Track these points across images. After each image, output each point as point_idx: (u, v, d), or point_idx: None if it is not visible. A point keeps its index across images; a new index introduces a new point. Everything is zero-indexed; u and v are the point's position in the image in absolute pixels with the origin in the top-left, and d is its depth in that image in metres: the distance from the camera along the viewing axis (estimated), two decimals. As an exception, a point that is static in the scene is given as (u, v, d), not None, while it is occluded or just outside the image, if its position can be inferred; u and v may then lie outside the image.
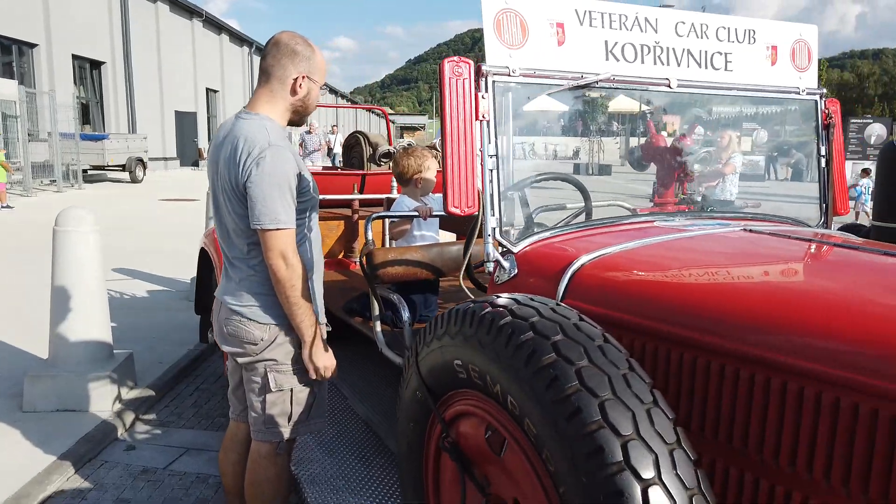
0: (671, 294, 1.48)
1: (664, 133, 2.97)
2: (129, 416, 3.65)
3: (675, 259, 1.68)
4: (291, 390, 2.14)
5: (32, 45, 17.74)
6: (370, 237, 2.51)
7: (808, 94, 2.28)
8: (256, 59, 35.47)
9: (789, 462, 1.22)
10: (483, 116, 1.73)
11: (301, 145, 15.64)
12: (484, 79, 1.75)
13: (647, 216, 2.10)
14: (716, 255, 1.72)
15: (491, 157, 1.75)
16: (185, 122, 26.16)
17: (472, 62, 1.74)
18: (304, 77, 2.05)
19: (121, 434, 3.51)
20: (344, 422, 2.83)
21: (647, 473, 1.03)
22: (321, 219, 4.20)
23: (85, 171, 16.85)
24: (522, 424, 1.21)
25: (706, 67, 2.10)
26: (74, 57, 19.59)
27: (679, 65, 2.05)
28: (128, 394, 3.84)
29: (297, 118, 2.18)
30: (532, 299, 1.32)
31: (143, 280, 6.73)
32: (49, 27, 18.19)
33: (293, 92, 2.06)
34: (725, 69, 2.13)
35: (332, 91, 55.35)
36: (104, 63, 21.27)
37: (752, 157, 3.29)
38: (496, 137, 1.77)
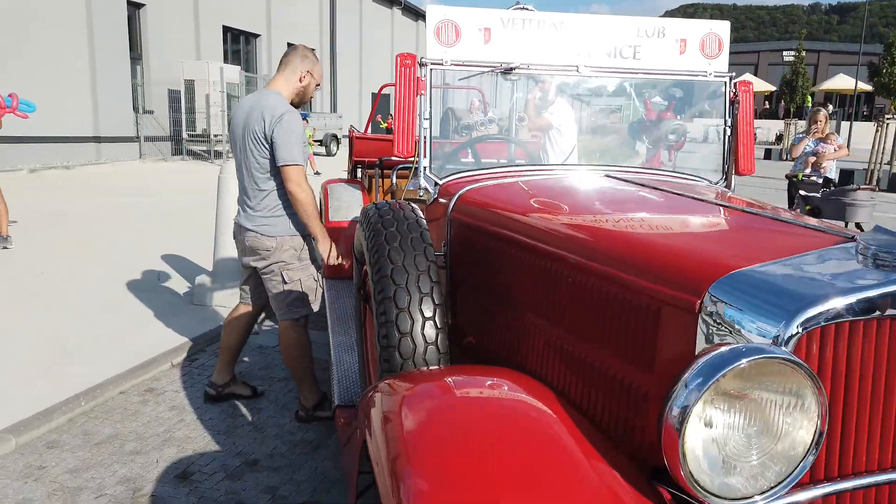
0: (502, 208, 2.30)
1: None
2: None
3: (522, 190, 2.47)
4: (300, 280, 3.19)
5: (256, 36, 20.79)
6: (394, 181, 3.50)
7: (715, 76, 2.87)
8: (451, 44, 37.60)
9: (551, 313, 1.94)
10: (422, 92, 2.63)
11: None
12: (424, 67, 2.64)
13: (550, 165, 2.85)
14: (551, 189, 2.46)
15: (426, 119, 2.65)
16: (380, 102, 28.70)
17: (416, 56, 2.64)
18: (308, 73, 3.11)
19: (252, 325, 4.86)
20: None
21: (400, 282, 1.92)
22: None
23: (290, 144, 19.56)
24: (367, 267, 2.15)
25: (615, 57, 2.79)
26: (289, 45, 22.50)
27: (589, 56, 2.77)
28: (263, 300, 5.20)
29: (297, 101, 3.21)
30: (395, 202, 2.23)
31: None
32: (270, 19, 21.16)
33: (300, 80, 3.12)
34: (633, 58, 2.80)
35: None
36: (313, 50, 24.03)
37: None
38: (430, 106, 2.66)
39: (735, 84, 2.89)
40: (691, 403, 1.09)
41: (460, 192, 2.49)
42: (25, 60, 12.78)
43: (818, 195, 6.89)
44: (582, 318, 1.70)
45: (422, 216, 2.15)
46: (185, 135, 16.47)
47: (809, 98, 38.08)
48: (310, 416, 3.37)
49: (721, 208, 1.99)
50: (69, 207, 9.26)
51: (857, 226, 6.83)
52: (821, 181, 7.03)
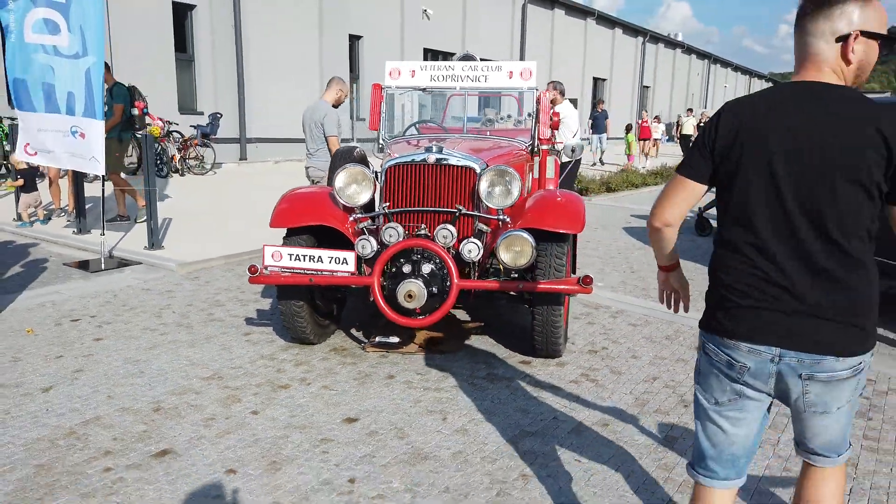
0: (390, 150, 5.41)
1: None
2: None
3: (405, 143, 5.51)
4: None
5: (451, 54, 24.83)
6: (400, 147, 6.72)
7: (528, 89, 5.68)
8: (651, 48, 38.93)
9: None
10: (383, 99, 5.84)
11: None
12: (383, 90, 5.86)
13: (445, 134, 5.84)
14: (414, 141, 5.48)
15: (383, 112, 5.85)
16: (568, 106, 31.41)
17: (381, 84, 5.87)
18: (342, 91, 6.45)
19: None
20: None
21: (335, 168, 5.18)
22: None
23: (474, 143, 23.28)
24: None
25: (475, 81, 5.74)
26: (482, 60, 26.28)
27: (463, 81, 5.75)
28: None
29: (336, 104, 6.51)
30: (351, 146, 5.46)
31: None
32: (464, 38, 25.11)
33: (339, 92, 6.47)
34: (485, 82, 5.73)
35: (745, 73, 54.67)
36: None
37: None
38: (387, 107, 5.85)
39: (538, 94, 5.68)
40: (343, 173, 4.18)
41: (387, 144, 5.67)
42: (275, 81, 17.87)
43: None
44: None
45: (358, 149, 5.36)
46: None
47: None
48: None
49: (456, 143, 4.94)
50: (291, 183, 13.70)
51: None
52: None
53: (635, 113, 36.85)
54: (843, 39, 1.75)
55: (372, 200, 4.27)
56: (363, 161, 5.79)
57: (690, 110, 25.50)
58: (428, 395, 3.77)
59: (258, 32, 17.28)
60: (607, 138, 20.29)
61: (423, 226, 4.14)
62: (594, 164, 19.88)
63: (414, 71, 5.85)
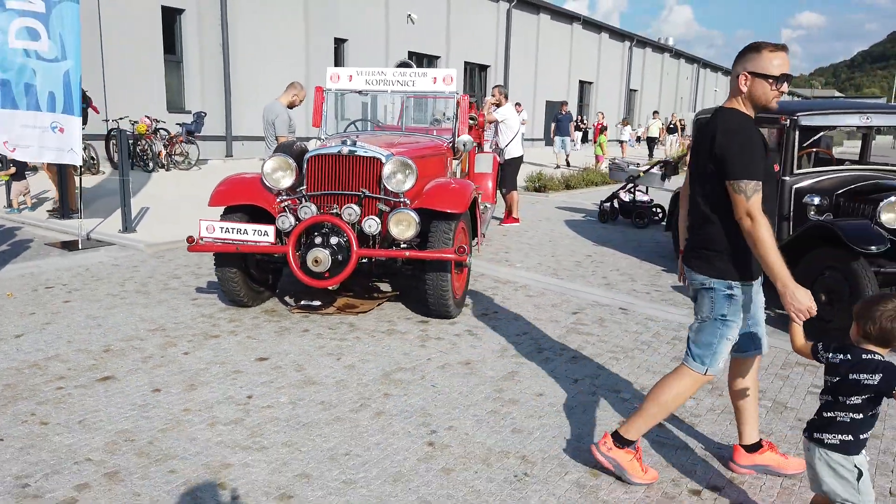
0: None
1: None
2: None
3: (338, 137, 6.34)
4: None
5: (436, 57, 25.69)
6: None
7: (449, 93, 6.50)
8: (638, 52, 39.77)
9: None
10: (324, 101, 6.67)
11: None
12: (326, 91, 6.68)
13: (380, 130, 6.66)
14: (344, 135, 6.30)
15: (324, 113, 6.67)
16: (553, 109, 32.22)
17: (322, 87, 6.70)
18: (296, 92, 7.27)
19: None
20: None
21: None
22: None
23: (456, 144, 24.09)
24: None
25: (405, 86, 6.56)
26: (466, 63, 27.16)
27: (394, 85, 6.58)
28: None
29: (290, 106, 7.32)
30: (293, 142, 6.27)
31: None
32: (449, 42, 25.94)
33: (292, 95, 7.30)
34: (413, 87, 6.55)
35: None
36: (488, 66, 28.55)
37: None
38: (330, 106, 6.67)
39: (458, 97, 6.50)
40: (270, 161, 5.01)
41: (327, 139, 6.49)
42: (261, 82, 18.70)
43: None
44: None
45: (298, 144, 6.18)
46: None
47: None
48: None
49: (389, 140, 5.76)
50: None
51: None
52: None
53: (622, 116, 37.69)
54: (737, 77, 2.67)
55: (296, 185, 5.09)
56: (301, 154, 6.64)
57: (656, 112, 26.27)
58: (332, 343, 4.59)
59: (245, 35, 18.12)
60: (571, 140, 20.95)
61: (336, 206, 4.96)
62: (557, 166, 20.54)
63: (351, 76, 6.69)
